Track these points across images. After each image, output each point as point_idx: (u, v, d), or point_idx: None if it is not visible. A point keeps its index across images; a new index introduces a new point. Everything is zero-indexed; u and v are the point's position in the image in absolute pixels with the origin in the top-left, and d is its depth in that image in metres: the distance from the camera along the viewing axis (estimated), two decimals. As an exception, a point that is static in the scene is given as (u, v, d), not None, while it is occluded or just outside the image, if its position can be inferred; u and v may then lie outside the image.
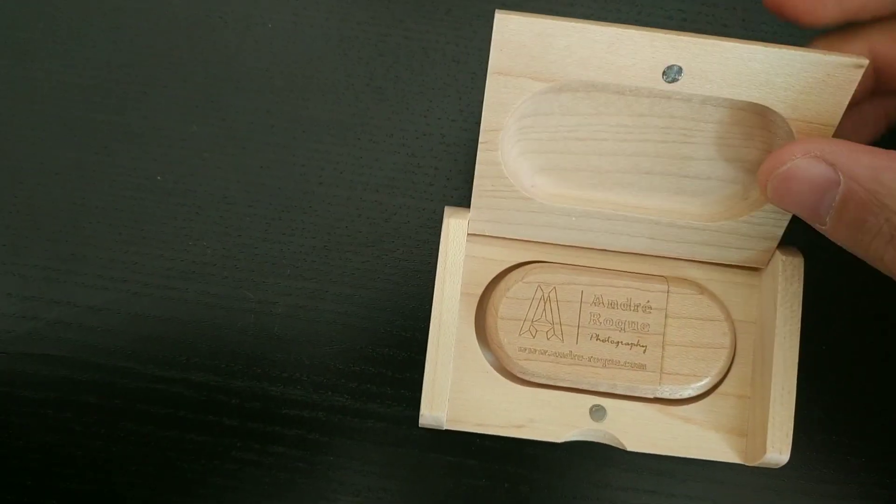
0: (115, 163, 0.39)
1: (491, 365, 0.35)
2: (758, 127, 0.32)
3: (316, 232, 0.38)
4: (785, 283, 0.33)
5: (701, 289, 0.35)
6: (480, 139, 0.32)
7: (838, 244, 0.29)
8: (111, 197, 0.38)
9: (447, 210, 0.34)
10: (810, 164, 0.28)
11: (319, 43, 0.39)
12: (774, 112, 0.30)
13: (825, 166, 0.27)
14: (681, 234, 0.34)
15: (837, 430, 0.38)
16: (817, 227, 0.29)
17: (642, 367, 0.34)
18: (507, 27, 0.29)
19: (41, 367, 0.37)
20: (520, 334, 0.34)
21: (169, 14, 0.39)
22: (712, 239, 0.34)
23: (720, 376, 0.34)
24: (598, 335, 0.34)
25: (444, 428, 0.34)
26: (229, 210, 0.38)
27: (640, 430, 0.34)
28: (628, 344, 0.34)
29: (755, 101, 0.30)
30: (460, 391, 0.34)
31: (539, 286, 0.34)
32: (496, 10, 0.29)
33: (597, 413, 0.34)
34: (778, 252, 0.34)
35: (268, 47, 0.39)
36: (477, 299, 0.35)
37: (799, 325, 0.33)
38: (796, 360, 0.33)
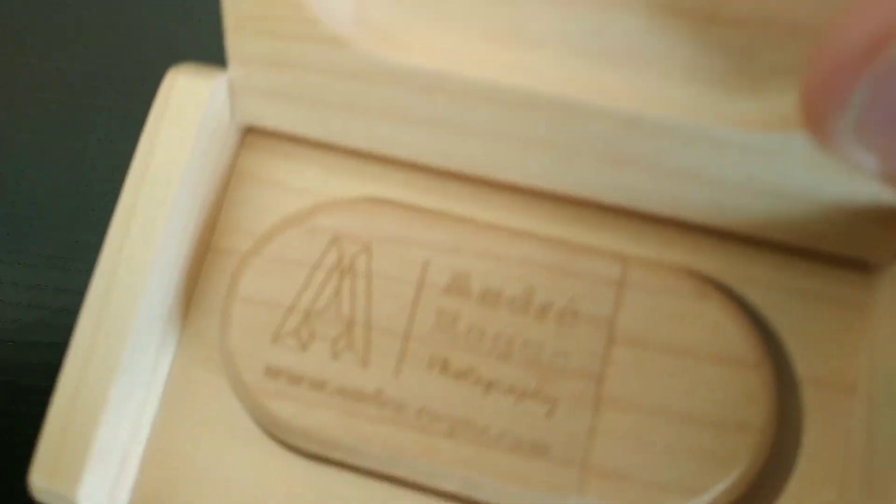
0: (118, 149, 0.38)
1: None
2: None
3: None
4: None
5: (701, 287, 0.17)
6: None
7: None
8: (113, 183, 0.38)
9: (178, 67, 0.19)
10: None
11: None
12: None
13: None
14: (695, 157, 0.16)
15: None
16: None
17: (541, 448, 0.16)
18: None
19: (48, 356, 0.37)
20: (275, 339, 0.17)
21: (168, -2, 0.39)
22: (767, 177, 0.15)
23: (732, 498, 0.16)
24: (446, 361, 0.16)
25: None
26: (233, 195, 0.38)
27: None
28: (514, 390, 0.16)
29: None
30: (173, 453, 0.17)
31: (336, 241, 0.17)
32: None
33: None
34: None
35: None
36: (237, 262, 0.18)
37: None
38: None
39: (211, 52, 0.37)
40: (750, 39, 0.15)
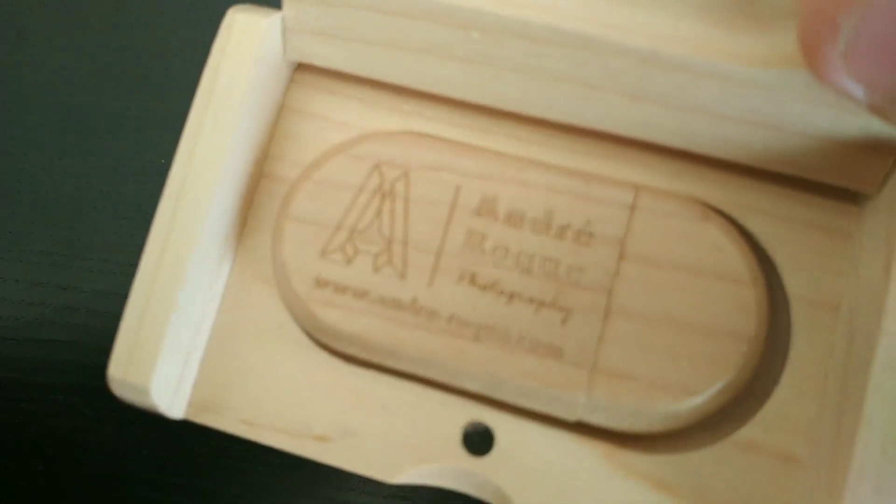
0: (118, 147, 0.39)
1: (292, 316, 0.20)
2: None
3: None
4: None
5: (704, 212, 0.18)
6: None
7: None
8: (115, 181, 0.39)
9: (236, 7, 0.20)
10: None
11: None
12: None
13: None
14: (702, 91, 0.17)
15: None
16: None
17: (555, 351, 0.18)
18: None
19: (50, 353, 0.37)
20: (323, 254, 0.18)
21: (169, -4, 0.39)
22: (768, 109, 0.17)
23: (727, 395, 0.18)
24: (474, 275, 0.18)
25: (179, 416, 0.21)
26: (234, 192, 0.38)
27: (557, 490, 0.18)
28: (533, 301, 0.18)
29: None
30: (229, 356, 0.19)
31: (378, 167, 0.19)
32: None
33: (476, 438, 0.18)
34: None
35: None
36: (288, 187, 0.20)
37: None
38: None
39: (211, 48, 0.38)
40: None
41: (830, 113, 0.17)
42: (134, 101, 0.39)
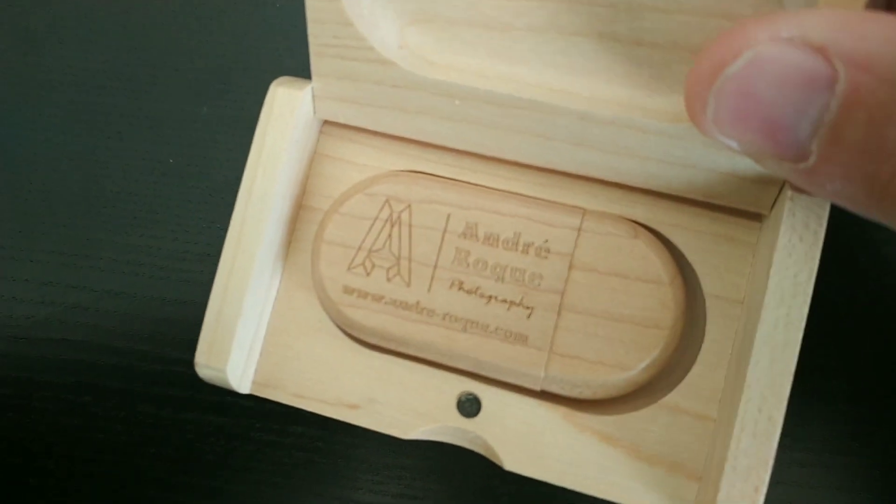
0: (128, 147, 0.39)
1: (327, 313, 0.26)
2: None
3: (329, 212, 0.38)
4: (789, 237, 0.21)
5: (634, 229, 0.24)
6: None
7: (829, 196, 0.17)
8: (124, 181, 0.39)
9: (279, 80, 0.25)
10: (784, 53, 0.16)
11: (329, 22, 0.39)
12: None
13: (810, 54, 0.16)
14: (628, 140, 0.22)
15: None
16: (791, 170, 0.17)
17: (522, 339, 0.23)
18: None
19: (60, 352, 0.37)
20: (349, 268, 0.24)
21: (177, -3, 0.40)
22: (679, 153, 0.22)
23: (651, 371, 0.23)
24: (461, 282, 0.24)
25: (246, 391, 0.26)
26: (243, 192, 0.38)
27: (529, 443, 0.24)
28: (505, 301, 0.24)
29: None
30: (279, 347, 0.26)
31: (388, 201, 0.24)
32: None
33: (466, 404, 0.24)
34: (788, 190, 0.21)
35: (276, 27, 0.39)
36: (321, 216, 0.26)
37: (806, 310, 0.21)
38: (792, 368, 0.21)
39: (219, 48, 0.38)
40: (664, 57, 0.22)
41: (728, 155, 0.22)
42: (144, 102, 0.39)
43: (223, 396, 0.37)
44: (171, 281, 0.38)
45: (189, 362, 0.37)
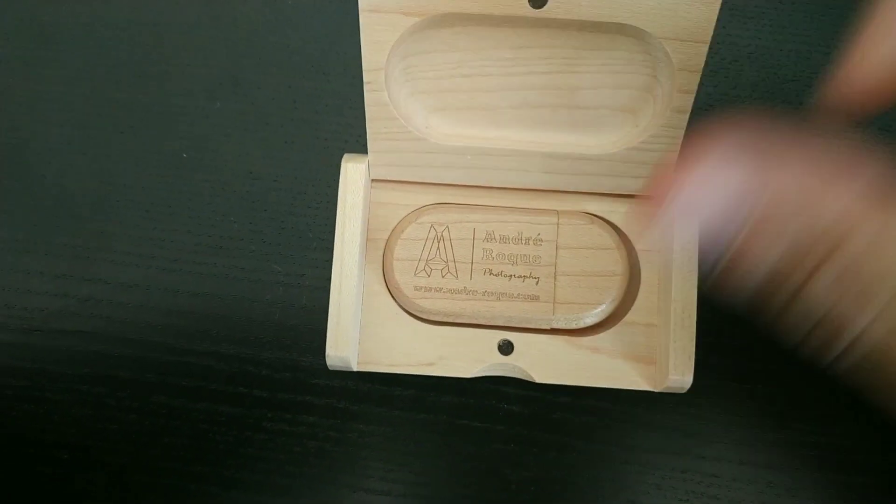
0: (141, 141, 0.39)
1: (400, 307, 0.35)
2: (638, 51, 0.31)
3: (341, 204, 0.38)
4: None
5: (591, 219, 0.35)
6: (365, 79, 0.32)
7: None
8: (138, 175, 0.39)
9: (346, 156, 0.34)
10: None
11: (339, 17, 0.39)
12: (647, 33, 0.30)
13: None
14: (577, 166, 0.34)
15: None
16: None
17: (535, 298, 0.34)
18: None
19: (74, 344, 0.38)
20: (415, 274, 0.35)
21: (189, -8, 0.40)
22: (608, 169, 0.34)
23: (615, 303, 0.35)
24: (490, 270, 0.35)
25: (356, 369, 0.34)
26: (255, 185, 0.39)
27: (548, 363, 0.35)
28: (521, 276, 0.35)
29: (625, 22, 0.30)
30: (371, 334, 0.35)
31: (432, 226, 0.35)
32: None
33: (504, 347, 0.35)
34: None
35: (288, 22, 0.40)
36: (383, 244, 0.35)
37: (696, 248, 0.33)
38: (695, 283, 0.33)
39: (231, 43, 0.38)
40: (594, 113, 0.33)
41: (634, 176, 0.35)
42: (156, 97, 0.40)
43: (235, 387, 0.37)
44: (184, 273, 0.38)
45: (201, 352, 0.37)
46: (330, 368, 0.33)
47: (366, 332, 0.35)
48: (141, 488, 0.37)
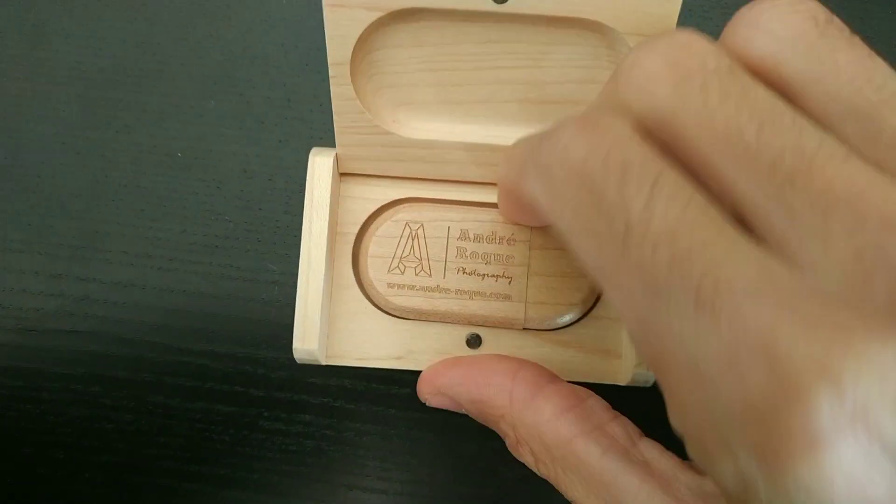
0: (135, 140, 0.39)
1: (370, 302, 0.35)
2: (603, 46, 0.31)
3: (335, 203, 0.39)
4: None
5: None
6: (330, 73, 0.32)
7: None
8: (133, 174, 0.39)
9: (314, 150, 0.34)
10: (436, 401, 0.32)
11: (334, 15, 0.40)
12: (610, 27, 0.30)
13: (446, 399, 0.32)
14: None
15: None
16: None
17: (508, 297, 0.34)
18: None
19: (70, 343, 0.38)
20: (389, 271, 0.34)
21: (185, -8, 0.40)
22: None
23: (588, 303, 0.35)
24: (464, 268, 0.34)
25: (324, 363, 0.34)
26: (250, 184, 0.39)
27: (517, 356, 0.34)
28: (494, 276, 0.34)
29: (587, 17, 0.30)
30: (339, 328, 0.34)
31: (407, 224, 0.35)
32: None
33: (473, 341, 0.34)
34: None
35: (283, 21, 0.40)
36: (353, 238, 0.35)
37: None
38: None
39: (226, 42, 0.38)
40: (560, 108, 0.32)
41: None
42: (151, 96, 0.39)
43: (232, 386, 0.37)
44: (180, 272, 0.38)
45: (197, 352, 0.37)
46: (298, 363, 0.32)
47: (334, 326, 0.34)
48: (137, 487, 0.37)
